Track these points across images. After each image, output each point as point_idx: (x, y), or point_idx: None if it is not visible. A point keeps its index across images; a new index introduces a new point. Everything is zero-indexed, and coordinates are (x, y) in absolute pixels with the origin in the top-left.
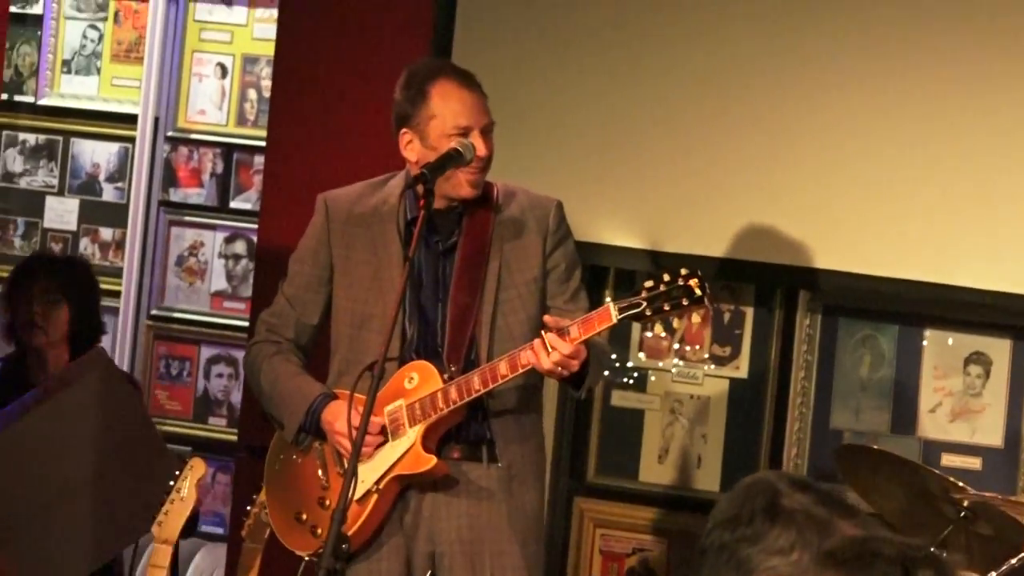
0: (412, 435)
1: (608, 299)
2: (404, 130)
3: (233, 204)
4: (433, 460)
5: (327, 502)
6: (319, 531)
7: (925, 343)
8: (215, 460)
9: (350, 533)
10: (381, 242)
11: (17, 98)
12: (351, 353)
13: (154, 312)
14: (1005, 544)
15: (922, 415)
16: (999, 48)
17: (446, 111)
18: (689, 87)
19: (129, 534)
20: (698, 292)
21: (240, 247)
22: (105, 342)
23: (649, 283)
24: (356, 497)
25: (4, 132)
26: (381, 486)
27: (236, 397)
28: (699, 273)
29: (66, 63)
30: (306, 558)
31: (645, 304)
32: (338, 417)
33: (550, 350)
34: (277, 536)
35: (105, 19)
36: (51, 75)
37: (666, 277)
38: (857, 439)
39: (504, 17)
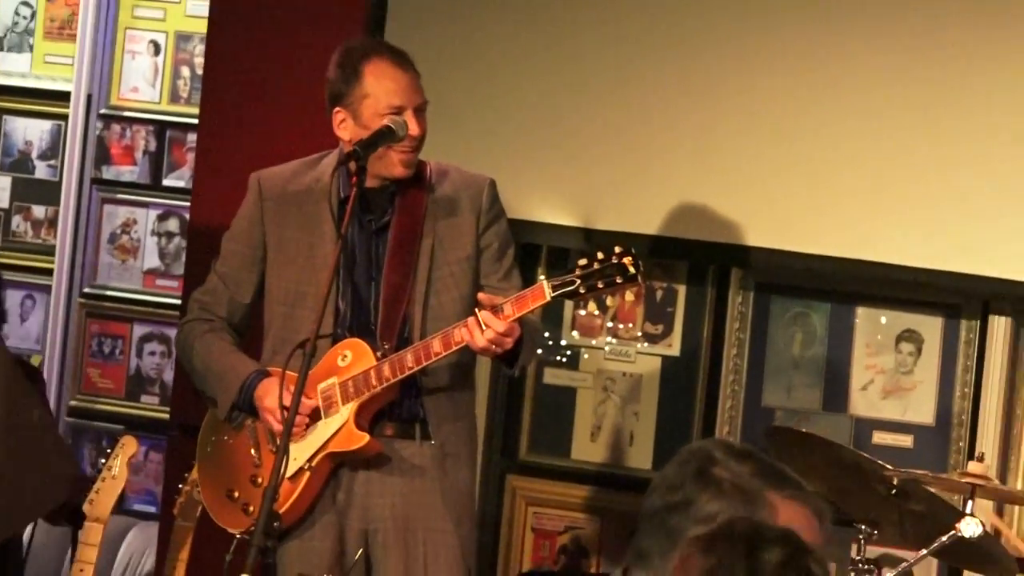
0: (345, 413)
1: (541, 277)
2: (337, 108)
3: (166, 182)
4: (366, 438)
5: (259, 480)
6: (251, 509)
7: (857, 321)
8: (147, 439)
9: (282, 511)
10: (315, 220)
11: None
12: (284, 331)
13: (86, 290)
14: (936, 521)
15: (854, 393)
16: (925, 20)
17: (379, 90)
18: (619, 64)
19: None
20: (631, 270)
21: (173, 225)
22: (37, 320)
23: (583, 261)
24: (288, 474)
25: None
26: (313, 464)
27: (168, 375)
28: (632, 251)
29: None
30: (238, 536)
31: (579, 282)
32: (270, 395)
33: (484, 328)
34: (209, 514)
35: None
36: None
37: (600, 255)
38: (789, 417)
39: (437, 8)
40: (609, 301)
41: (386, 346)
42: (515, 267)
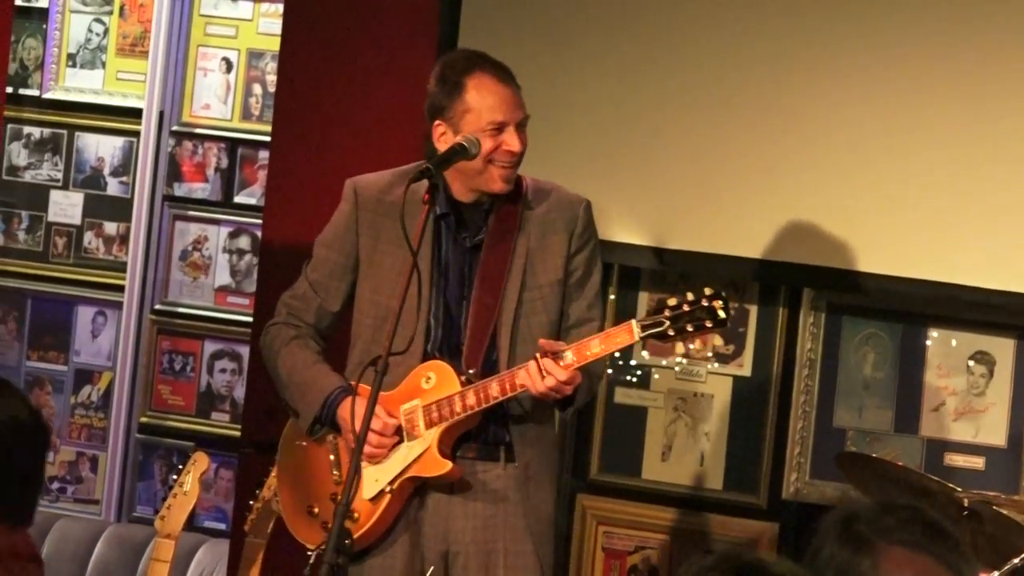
0: (428, 438)
1: (633, 320)
2: (438, 122)
3: (237, 199)
4: (448, 465)
5: (339, 497)
6: (330, 526)
7: (929, 342)
8: (218, 456)
9: (361, 532)
10: (410, 233)
11: (22, 91)
12: (372, 345)
13: (158, 307)
14: (1008, 543)
15: (925, 414)
16: (1005, 52)
17: (482, 106)
18: (697, 85)
19: None
20: (721, 314)
21: (244, 242)
22: (108, 336)
23: (672, 301)
24: (369, 496)
25: (9, 126)
26: (395, 487)
27: (239, 392)
28: (723, 294)
29: (71, 57)
30: (311, 551)
31: (668, 323)
32: (354, 415)
33: (544, 375)
34: (287, 526)
35: (110, 13)
36: (56, 69)
37: (690, 296)
38: (860, 438)
39: (510, 14)
40: (697, 344)
41: (471, 371)
42: (599, 298)
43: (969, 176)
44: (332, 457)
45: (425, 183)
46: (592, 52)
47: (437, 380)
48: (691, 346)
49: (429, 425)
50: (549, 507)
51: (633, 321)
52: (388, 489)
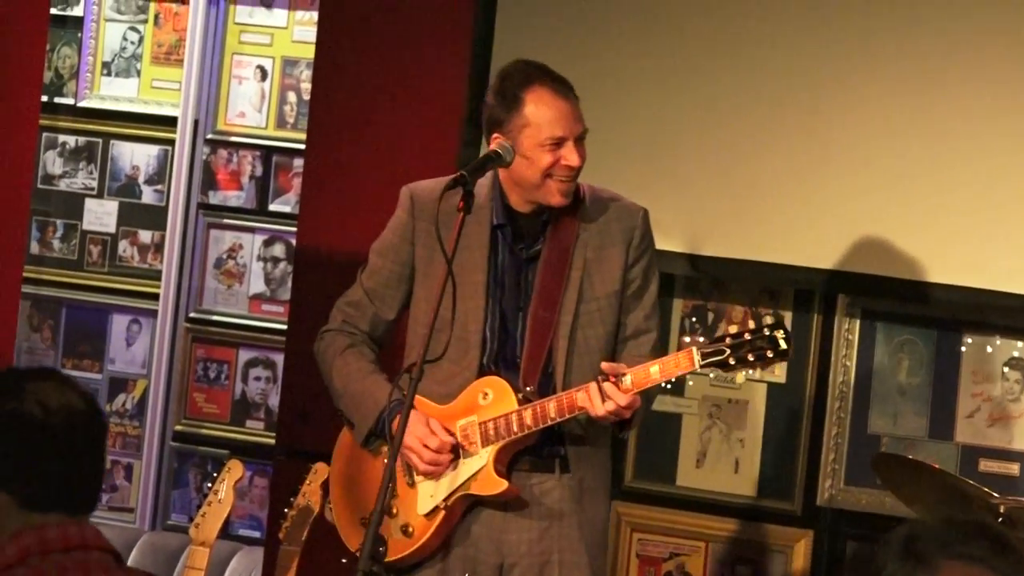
0: (484, 456)
1: (692, 346)
2: (496, 135)
3: (272, 207)
4: (504, 484)
5: (395, 510)
6: (384, 538)
7: (963, 348)
8: (252, 463)
9: (416, 547)
10: (466, 245)
11: (57, 100)
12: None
13: (192, 315)
14: None
15: (960, 420)
16: None
17: (540, 120)
18: (730, 91)
19: None
20: (783, 345)
21: (279, 250)
22: (143, 344)
23: (733, 329)
24: (424, 512)
25: (44, 134)
26: (449, 503)
27: (274, 400)
28: (784, 324)
29: (106, 65)
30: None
31: (728, 351)
32: (410, 432)
33: (605, 399)
34: (340, 535)
35: (145, 21)
36: (91, 77)
37: (751, 324)
38: (895, 444)
39: (545, 21)
40: (757, 373)
41: (528, 388)
42: (655, 310)
43: (1004, 183)
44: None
45: (481, 191)
46: (627, 58)
47: (494, 396)
48: (751, 373)
49: (485, 443)
50: (604, 519)
51: (694, 348)
52: (443, 505)
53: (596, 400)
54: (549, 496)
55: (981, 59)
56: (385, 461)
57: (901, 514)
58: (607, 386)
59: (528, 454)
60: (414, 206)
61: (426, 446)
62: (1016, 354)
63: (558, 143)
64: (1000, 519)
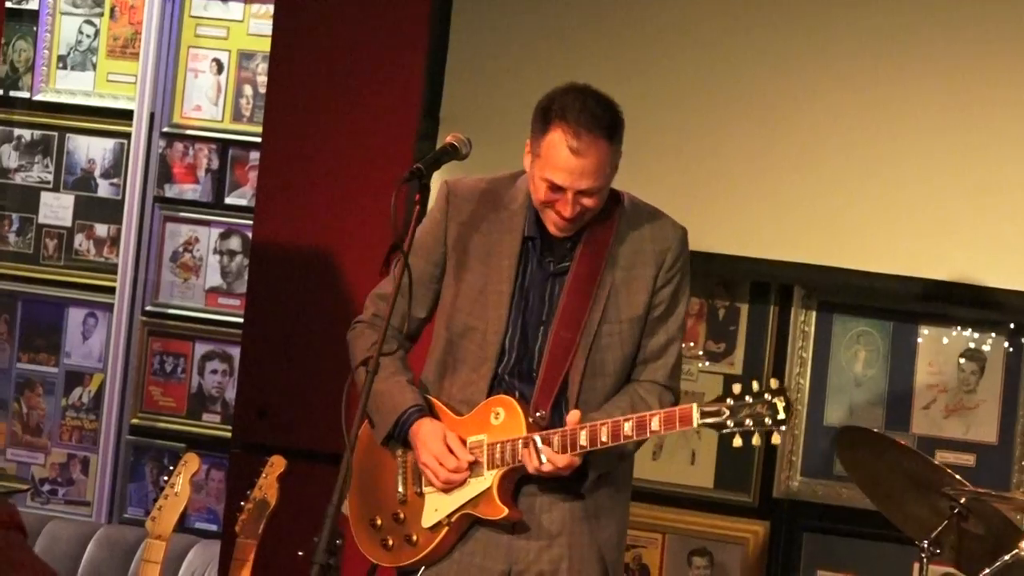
0: (489, 479)
1: (694, 404)
2: (529, 141)
3: (228, 200)
4: (505, 511)
5: (402, 517)
6: (390, 543)
7: (920, 339)
8: (209, 457)
9: (419, 557)
10: (496, 251)
11: (12, 93)
12: (447, 357)
13: (148, 308)
14: (995, 542)
15: (916, 411)
16: (993, 46)
17: (547, 160)
18: (688, 85)
19: None
20: (782, 415)
21: (235, 243)
22: (99, 338)
23: (737, 388)
24: (428, 524)
25: None
26: (452, 520)
27: (230, 394)
28: (787, 391)
29: (62, 58)
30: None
31: (728, 414)
32: (426, 447)
33: (541, 461)
34: (352, 529)
35: (101, 14)
36: (47, 70)
37: (755, 386)
38: None
39: (500, 20)
40: (755, 440)
41: (539, 414)
42: (675, 340)
43: (960, 174)
44: (400, 474)
45: (518, 197)
46: (582, 50)
47: (505, 418)
48: (753, 441)
49: (491, 465)
50: (619, 537)
51: (694, 406)
52: (446, 521)
53: (532, 458)
54: (561, 510)
55: (937, 53)
56: (398, 466)
57: (857, 505)
58: (544, 448)
59: (539, 479)
60: (449, 207)
61: (442, 464)
62: (972, 345)
63: (556, 188)
64: (956, 510)
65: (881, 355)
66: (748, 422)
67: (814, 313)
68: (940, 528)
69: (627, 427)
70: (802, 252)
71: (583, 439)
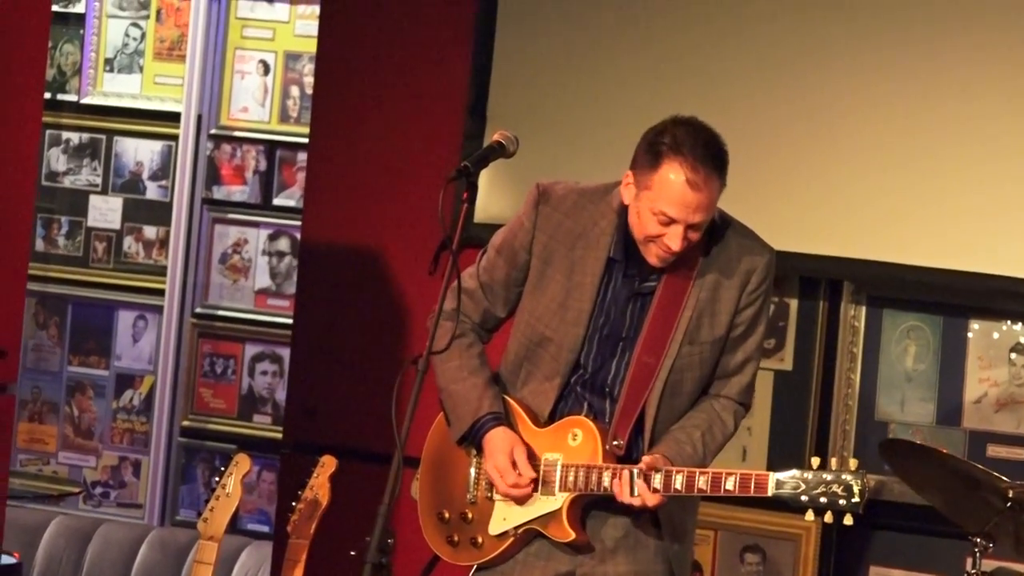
0: (559, 500)
1: (772, 474)
2: (630, 172)
3: (276, 201)
4: (572, 536)
5: (470, 516)
6: (456, 540)
7: (970, 334)
8: (260, 458)
9: (484, 561)
10: (579, 268)
11: (60, 97)
12: (525, 362)
13: (198, 310)
14: None
15: (967, 406)
16: None
17: (660, 192)
18: (735, 79)
19: None
20: (857, 499)
21: (284, 244)
22: (149, 341)
23: (816, 461)
24: (495, 532)
25: (47, 131)
26: (519, 532)
27: (280, 395)
28: (865, 475)
29: (108, 61)
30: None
31: (803, 488)
32: (497, 453)
33: (634, 494)
34: (419, 514)
35: (147, 17)
36: (94, 74)
37: (834, 463)
38: (903, 430)
39: (546, 18)
40: (828, 518)
41: (615, 443)
42: (759, 352)
43: (1010, 167)
44: (472, 474)
45: (610, 214)
46: (626, 50)
47: (583, 442)
48: (826, 519)
49: (563, 488)
50: (687, 547)
51: (771, 475)
52: (513, 532)
53: (623, 489)
54: (627, 525)
55: (978, 43)
56: (471, 464)
57: (909, 500)
58: (639, 482)
59: (611, 502)
60: (538, 216)
61: (503, 478)
62: (1023, 339)
63: (668, 221)
64: (1008, 504)
65: (931, 350)
66: (823, 500)
67: (864, 308)
68: (992, 522)
69: (701, 481)
70: (851, 247)
71: (656, 482)
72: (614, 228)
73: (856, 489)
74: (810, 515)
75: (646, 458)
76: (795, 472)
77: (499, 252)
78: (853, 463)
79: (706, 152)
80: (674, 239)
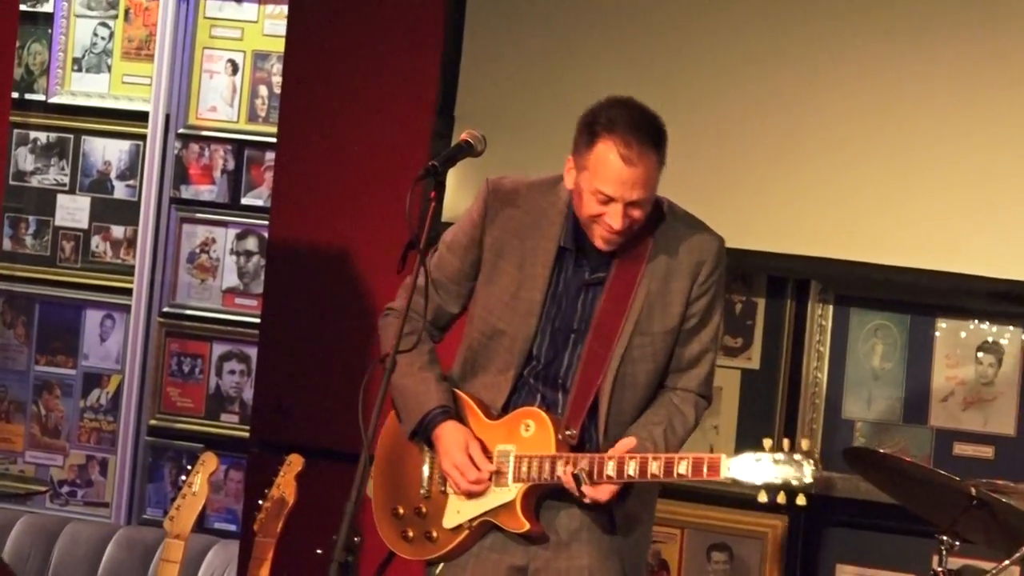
0: (513, 492)
1: (723, 456)
2: (571, 158)
3: (244, 200)
4: (527, 526)
5: (424, 511)
6: (410, 535)
7: (937, 332)
8: (227, 457)
9: (438, 555)
10: (531, 259)
11: (28, 96)
12: (479, 357)
13: (166, 309)
14: (1018, 531)
15: (934, 404)
16: (1008, 42)
17: (596, 171)
18: (702, 78)
19: None
20: (808, 479)
21: (252, 243)
22: (117, 340)
23: (768, 442)
24: (449, 526)
25: (15, 130)
26: (474, 524)
27: (248, 394)
28: (817, 455)
29: (77, 61)
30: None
31: (756, 469)
32: (450, 453)
33: (585, 493)
34: (373, 512)
35: (115, 17)
36: (62, 73)
37: (786, 444)
38: (869, 429)
39: (514, 18)
40: (780, 498)
41: (568, 432)
42: (708, 351)
43: (976, 166)
44: (425, 470)
45: (560, 205)
46: (595, 46)
47: (535, 432)
48: (778, 500)
49: (517, 479)
50: (644, 545)
51: (723, 457)
52: (467, 525)
53: (574, 486)
54: (582, 517)
55: (953, 41)
56: (424, 461)
57: (876, 499)
58: (585, 485)
59: (563, 493)
60: (487, 209)
61: (463, 475)
62: (990, 338)
63: (606, 200)
64: (974, 503)
65: (898, 348)
66: (775, 480)
67: (831, 307)
68: (958, 521)
69: (654, 466)
70: (819, 246)
71: (610, 469)
72: (563, 217)
73: (808, 468)
74: (763, 496)
75: (610, 451)
76: (748, 454)
77: (450, 248)
78: (805, 443)
79: (640, 129)
80: (614, 218)
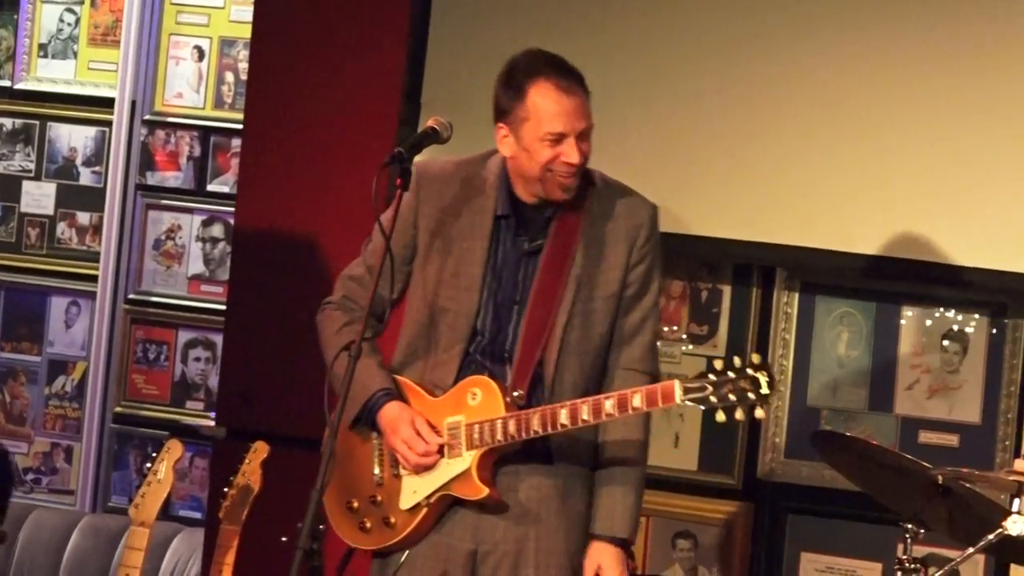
0: (467, 459)
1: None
2: (501, 124)
3: (210, 187)
4: (486, 491)
5: (379, 499)
6: (367, 526)
7: (903, 320)
8: (192, 444)
9: (398, 539)
10: (467, 233)
11: None
12: (419, 340)
13: (131, 296)
14: (983, 520)
15: (899, 392)
16: (977, 31)
17: (541, 115)
18: (669, 67)
19: None
20: (765, 389)
21: (217, 230)
22: (82, 326)
23: (718, 364)
24: (406, 507)
25: None
26: (431, 501)
27: (213, 381)
28: (768, 365)
29: (43, 47)
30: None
31: (711, 389)
32: (397, 431)
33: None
34: (327, 510)
35: (82, 2)
36: (27, 59)
37: (736, 361)
38: (835, 417)
39: (481, 3)
40: (739, 415)
41: (516, 393)
42: (650, 317)
43: (942, 154)
44: (376, 457)
45: (489, 178)
46: (565, 35)
47: (483, 398)
48: (736, 416)
49: (470, 446)
50: (585, 515)
51: (676, 382)
52: (425, 503)
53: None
54: (535, 488)
55: (923, 30)
56: (373, 449)
57: (841, 486)
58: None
59: (513, 454)
60: (420, 190)
61: (412, 449)
62: (955, 326)
63: (558, 139)
64: (939, 490)
65: (864, 336)
66: (731, 397)
67: (796, 295)
68: (923, 508)
69: (608, 405)
70: (784, 234)
71: (563, 418)
72: (496, 189)
73: (763, 380)
74: (721, 416)
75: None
76: (700, 377)
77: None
78: (756, 357)
79: (558, 65)
80: (571, 152)
